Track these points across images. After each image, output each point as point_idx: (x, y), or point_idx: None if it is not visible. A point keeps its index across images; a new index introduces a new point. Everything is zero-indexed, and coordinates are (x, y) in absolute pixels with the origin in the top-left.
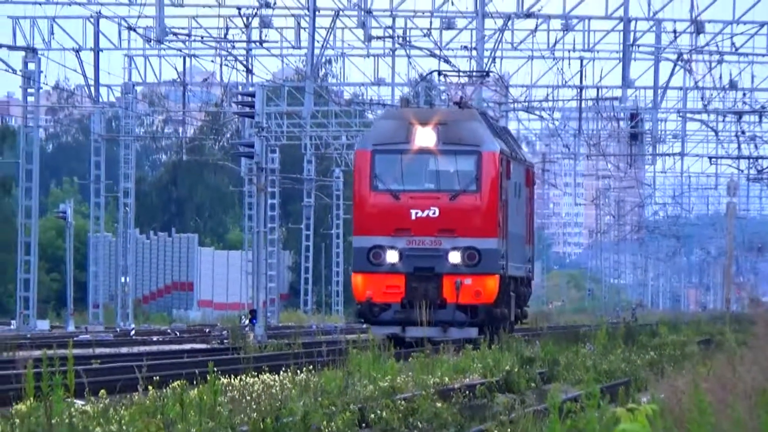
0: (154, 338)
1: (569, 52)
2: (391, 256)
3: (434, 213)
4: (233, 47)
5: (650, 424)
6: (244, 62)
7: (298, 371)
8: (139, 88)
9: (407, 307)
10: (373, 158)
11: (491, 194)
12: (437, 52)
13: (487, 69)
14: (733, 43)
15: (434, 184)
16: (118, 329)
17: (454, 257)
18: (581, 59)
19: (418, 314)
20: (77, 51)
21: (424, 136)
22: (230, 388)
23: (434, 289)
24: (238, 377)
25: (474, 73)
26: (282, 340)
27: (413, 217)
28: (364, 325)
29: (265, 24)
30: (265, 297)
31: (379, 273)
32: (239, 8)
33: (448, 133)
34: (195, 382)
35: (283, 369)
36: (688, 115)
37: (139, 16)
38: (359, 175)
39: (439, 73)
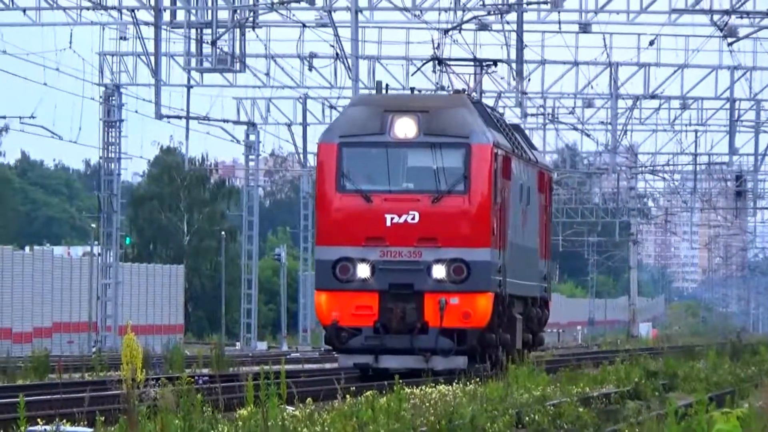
0: None
1: (686, 125)
2: (362, 271)
3: (413, 218)
4: None
5: (743, 425)
6: None
7: (468, 383)
8: None
9: (381, 332)
10: (340, 153)
11: (483, 195)
12: (579, 126)
13: (497, 59)
14: None
15: (413, 183)
16: (322, 349)
17: (438, 271)
18: (696, 131)
19: (394, 341)
20: (289, 125)
21: (402, 126)
22: (412, 396)
23: (413, 311)
24: (419, 387)
25: (482, 61)
26: None
27: (388, 223)
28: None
29: None
30: None
31: (347, 291)
32: (420, 90)
33: (431, 123)
34: (383, 392)
35: (456, 381)
36: None
37: (339, 97)
38: (323, 173)
39: (440, 62)
